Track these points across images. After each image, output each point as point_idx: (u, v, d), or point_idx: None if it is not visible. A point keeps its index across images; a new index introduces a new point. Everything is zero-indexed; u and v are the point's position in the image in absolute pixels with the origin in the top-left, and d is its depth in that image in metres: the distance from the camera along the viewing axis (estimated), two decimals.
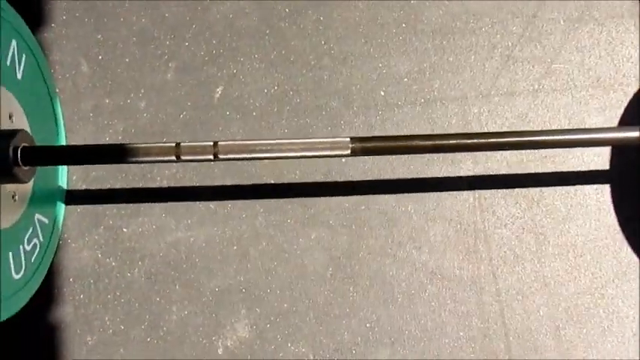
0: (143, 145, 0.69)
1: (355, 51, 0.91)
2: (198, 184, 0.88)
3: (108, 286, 0.86)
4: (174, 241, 0.87)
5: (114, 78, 0.90)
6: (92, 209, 0.87)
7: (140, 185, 0.88)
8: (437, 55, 0.91)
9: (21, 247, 0.73)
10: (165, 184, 0.88)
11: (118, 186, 0.88)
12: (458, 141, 0.69)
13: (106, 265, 0.87)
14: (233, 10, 0.91)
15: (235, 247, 0.87)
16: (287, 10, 0.92)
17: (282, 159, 0.72)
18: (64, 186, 0.86)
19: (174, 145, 0.69)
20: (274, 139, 0.73)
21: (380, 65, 0.91)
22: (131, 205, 0.88)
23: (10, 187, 0.70)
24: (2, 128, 0.68)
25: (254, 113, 0.90)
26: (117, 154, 0.69)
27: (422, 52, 0.91)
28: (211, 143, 0.69)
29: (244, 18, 0.91)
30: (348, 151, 0.69)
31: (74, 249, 0.87)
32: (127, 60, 0.90)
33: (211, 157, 0.69)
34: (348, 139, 0.70)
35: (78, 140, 0.88)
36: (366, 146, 0.69)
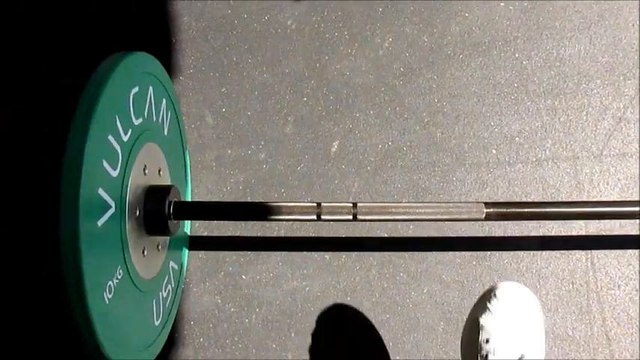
0: (286, 204, 0.73)
1: (467, 109, 0.94)
2: (313, 235, 0.91)
3: (227, 331, 0.90)
4: (290, 289, 0.90)
5: (236, 130, 0.94)
6: (213, 255, 0.91)
7: (259, 234, 0.91)
8: (548, 116, 0.93)
9: (160, 293, 0.77)
10: (282, 233, 0.91)
11: (237, 234, 0.92)
12: (589, 209, 0.71)
13: (225, 311, 0.90)
14: (350, 68, 0.95)
15: (349, 298, 0.90)
16: (401, 69, 0.95)
17: (418, 221, 0.74)
18: (189, 232, 0.90)
19: (315, 205, 0.72)
20: (411, 202, 0.76)
21: (492, 124, 0.93)
22: (250, 252, 0.91)
23: (157, 239, 0.74)
24: (155, 183, 0.73)
25: (368, 168, 0.93)
26: (261, 211, 0.73)
27: (534, 112, 0.93)
28: (351, 204, 0.72)
29: (360, 75, 0.95)
30: (483, 216, 0.72)
31: (195, 293, 0.91)
32: (249, 113, 0.95)
33: (350, 217, 0.72)
34: (483, 204, 0.72)
35: (202, 189, 0.92)
36: (501, 212, 0.72)
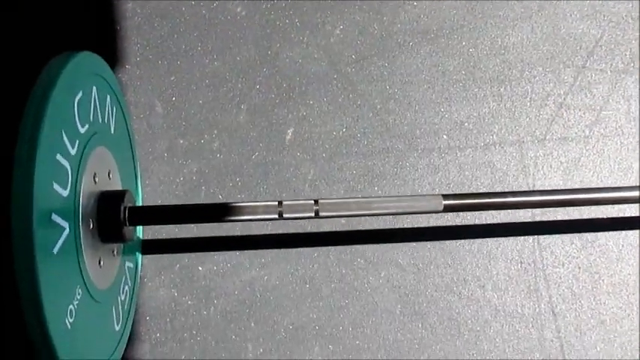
0: (247, 204, 0.72)
1: (418, 96, 0.96)
2: (271, 232, 0.91)
3: (184, 325, 0.88)
4: (248, 279, 0.90)
5: (187, 119, 0.92)
6: (168, 248, 0.89)
7: (214, 231, 0.90)
8: (495, 102, 0.97)
9: (119, 298, 0.75)
10: (238, 226, 0.90)
11: (193, 229, 0.90)
12: (547, 197, 0.74)
13: (182, 304, 0.88)
14: (302, 56, 0.95)
15: (308, 286, 0.90)
16: (353, 56, 0.96)
17: (379, 215, 0.75)
18: (141, 235, 0.88)
19: (276, 203, 0.72)
20: (371, 197, 0.77)
21: (442, 110, 0.96)
22: (206, 244, 0.90)
23: (112, 246, 0.71)
24: (106, 189, 0.69)
25: (324, 155, 0.93)
26: (220, 213, 0.71)
27: (481, 98, 0.96)
28: (312, 202, 0.72)
29: (313, 63, 0.95)
30: (441, 208, 0.73)
31: (150, 288, 0.88)
32: (200, 101, 0.93)
33: (312, 214, 0.72)
34: (441, 197, 0.74)
35: (154, 180, 0.90)
36: (459, 203, 0.74)
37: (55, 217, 0.55)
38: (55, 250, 0.55)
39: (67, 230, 0.58)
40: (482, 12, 0.98)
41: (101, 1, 0.93)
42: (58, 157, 0.57)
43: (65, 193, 0.58)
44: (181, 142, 0.91)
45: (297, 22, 0.95)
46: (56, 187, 0.56)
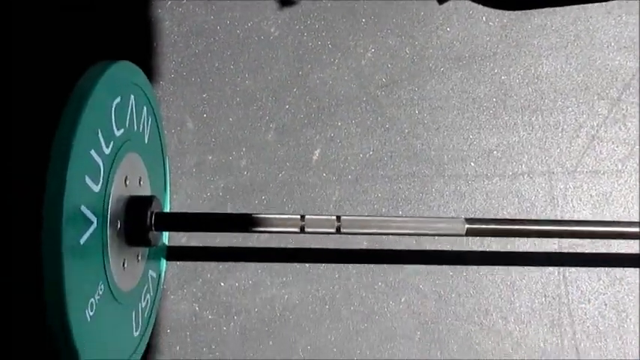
0: (269, 216, 0.73)
1: (447, 122, 0.95)
2: (292, 246, 0.91)
3: (204, 339, 0.89)
4: (269, 297, 0.90)
5: (217, 136, 0.94)
6: (191, 263, 0.90)
7: (240, 243, 0.91)
8: (525, 131, 0.96)
9: (139, 304, 0.76)
10: (262, 241, 0.91)
11: (217, 241, 0.91)
12: (570, 228, 0.73)
13: (202, 318, 0.89)
14: (332, 77, 0.96)
15: (327, 307, 0.90)
16: (383, 79, 0.96)
17: (400, 235, 0.75)
18: (167, 242, 0.89)
19: (299, 217, 0.72)
20: (394, 217, 0.77)
21: (471, 137, 0.95)
22: (229, 261, 0.91)
23: (137, 250, 0.73)
24: (136, 194, 0.72)
25: (349, 177, 0.94)
26: (244, 223, 0.73)
27: (511, 126, 0.96)
28: (334, 217, 0.73)
29: (343, 85, 0.96)
30: (464, 232, 0.73)
31: (172, 301, 0.90)
32: (230, 119, 0.94)
33: (334, 230, 0.72)
34: (464, 220, 0.73)
35: (181, 195, 0.92)
36: (482, 228, 0.73)
37: (85, 210, 0.58)
38: (82, 241, 0.57)
39: (95, 225, 0.60)
40: (517, 40, 0.98)
41: (140, 18, 0.95)
42: (93, 152, 0.60)
43: (96, 189, 0.61)
44: (210, 158, 0.93)
45: (329, 44, 0.96)
46: (88, 181, 0.59)
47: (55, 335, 0.54)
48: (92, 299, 0.59)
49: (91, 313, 0.59)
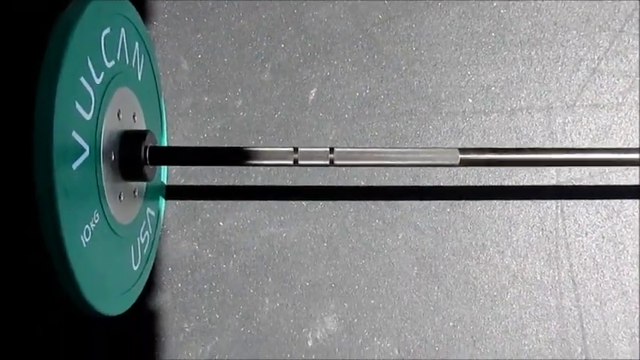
0: (263, 149, 0.73)
1: (445, 58, 0.94)
2: (291, 184, 0.92)
3: (204, 277, 0.91)
4: (267, 236, 0.91)
5: (212, 76, 0.93)
6: (190, 203, 0.91)
7: (236, 182, 0.92)
8: (524, 66, 0.94)
9: (138, 239, 0.77)
10: (260, 181, 0.92)
11: (215, 182, 0.92)
12: (567, 156, 0.73)
13: (202, 257, 0.91)
14: (328, 15, 0.94)
15: (325, 244, 0.91)
16: (380, 16, 0.95)
17: (394, 167, 0.75)
18: (165, 181, 0.90)
19: (292, 149, 0.73)
20: (387, 148, 0.76)
21: (469, 73, 0.94)
22: (227, 200, 0.91)
23: (133, 185, 0.74)
24: (130, 129, 0.72)
25: (346, 115, 0.93)
26: (238, 156, 0.73)
27: (510, 61, 0.94)
28: (327, 149, 0.73)
29: (338, 23, 0.94)
30: (457, 162, 0.73)
31: (173, 240, 0.91)
32: (225, 59, 0.93)
33: (327, 162, 0.73)
34: (458, 150, 0.73)
35: (178, 136, 0.92)
36: (475, 157, 0.73)
37: (76, 136, 0.58)
38: (75, 166, 0.58)
39: (87, 153, 0.61)
40: None
41: None
42: (82, 80, 0.60)
43: (88, 116, 0.61)
44: (206, 99, 0.93)
45: None
46: (78, 107, 0.59)
47: (52, 259, 0.56)
48: (87, 226, 0.61)
49: (87, 239, 0.60)
